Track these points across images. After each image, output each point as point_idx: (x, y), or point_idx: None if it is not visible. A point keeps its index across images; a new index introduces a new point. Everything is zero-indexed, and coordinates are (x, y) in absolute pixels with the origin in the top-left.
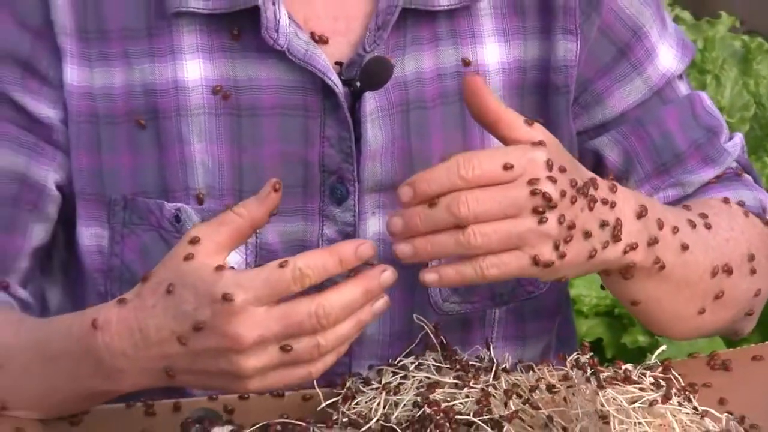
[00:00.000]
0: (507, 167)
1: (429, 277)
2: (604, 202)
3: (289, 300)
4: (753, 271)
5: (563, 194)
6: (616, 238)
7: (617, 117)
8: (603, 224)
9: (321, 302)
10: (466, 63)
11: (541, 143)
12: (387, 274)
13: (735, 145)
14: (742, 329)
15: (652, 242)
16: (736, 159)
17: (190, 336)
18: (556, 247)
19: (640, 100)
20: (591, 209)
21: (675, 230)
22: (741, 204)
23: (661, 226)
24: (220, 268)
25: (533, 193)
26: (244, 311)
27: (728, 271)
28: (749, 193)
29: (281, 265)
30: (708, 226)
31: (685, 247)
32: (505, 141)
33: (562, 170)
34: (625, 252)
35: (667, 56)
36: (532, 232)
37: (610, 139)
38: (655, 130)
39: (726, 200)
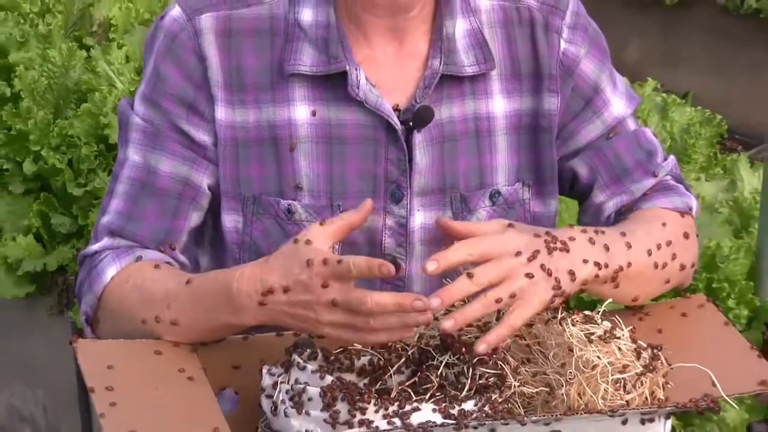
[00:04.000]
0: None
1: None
2: (563, 244)
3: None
4: (669, 243)
5: (535, 253)
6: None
7: (585, 146)
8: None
9: (371, 296)
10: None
11: (510, 225)
12: (417, 303)
13: (669, 163)
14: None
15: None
16: (670, 173)
17: (289, 289)
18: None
19: (600, 134)
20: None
21: (620, 236)
22: (674, 207)
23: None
24: (329, 249)
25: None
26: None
27: (669, 247)
28: (679, 198)
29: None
30: (629, 233)
31: (629, 246)
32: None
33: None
34: (597, 269)
35: (618, 104)
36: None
37: (581, 161)
38: (610, 153)
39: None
